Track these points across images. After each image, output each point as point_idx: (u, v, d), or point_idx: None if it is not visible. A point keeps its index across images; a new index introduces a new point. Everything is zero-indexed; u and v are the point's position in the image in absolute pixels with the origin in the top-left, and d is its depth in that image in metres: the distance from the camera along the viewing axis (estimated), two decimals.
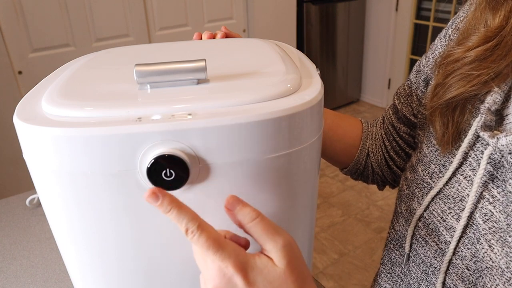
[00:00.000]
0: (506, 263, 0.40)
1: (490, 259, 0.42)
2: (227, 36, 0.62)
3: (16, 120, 0.36)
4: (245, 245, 0.38)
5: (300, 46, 3.24)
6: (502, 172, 0.41)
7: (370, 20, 3.54)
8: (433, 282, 0.49)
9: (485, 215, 0.42)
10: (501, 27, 0.42)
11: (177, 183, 0.35)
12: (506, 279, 0.40)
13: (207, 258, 0.34)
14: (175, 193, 0.36)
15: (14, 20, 1.89)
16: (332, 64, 3.46)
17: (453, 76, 0.45)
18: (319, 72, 0.45)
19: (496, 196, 0.42)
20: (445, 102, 0.45)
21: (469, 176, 0.44)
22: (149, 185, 0.35)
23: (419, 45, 3.29)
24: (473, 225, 0.44)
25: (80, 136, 0.33)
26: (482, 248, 0.43)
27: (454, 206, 0.46)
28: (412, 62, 3.33)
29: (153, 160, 0.34)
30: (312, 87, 0.39)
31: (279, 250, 0.35)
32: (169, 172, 0.35)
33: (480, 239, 0.43)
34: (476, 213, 0.43)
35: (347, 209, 2.40)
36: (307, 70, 0.45)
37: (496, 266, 0.41)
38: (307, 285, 0.36)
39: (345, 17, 3.38)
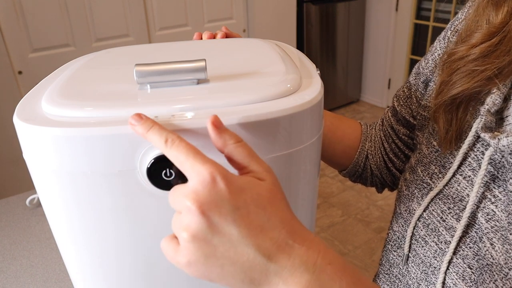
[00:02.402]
0: (505, 259, 0.40)
1: (491, 256, 0.42)
2: (227, 36, 0.62)
3: (16, 120, 0.36)
4: None
5: (300, 46, 3.24)
6: (503, 172, 0.41)
7: (370, 20, 3.54)
8: (433, 282, 0.49)
9: (487, 215, 0.43)
10: (504, 23, 0.42)
11: (177, 183, 0.35)
12: (504, 274, 0.41)
13: (185, 168, 0.30)
14: None
15: (14, 20, 1.89)
16: (332, 64, 3.46)
17: (458, 73, 0.45)
18: (319, 72, 0.45)
19: (497, 196, 0.42)
20: (449, 99, 0.46)
21: (469, 176, 0.45)
22: (149, 185, 0.35)
23: (419, 45, 3.29)
24: (475, 225, 0.44)
25: (80, 136, 0.33)
26: (484, 247, 0.43)
27: (454, 206, 0.46)
28: (412, 62, 3.33)
29: (153, 160, 0.34)
30: (312, 87, 0.39)
31: (264, 170, 0.32)
32: (169, 172, 0.35)
33: (482, 237, 0.43)
34: (478, 212, 0.43)
35: (347, 209, 2.40)
36: (307, 70, 0.45)
37: (496, 263, 0.41)
38: (291, 211, 0.33)
39: (345, 17, 3.38)
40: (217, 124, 0.32)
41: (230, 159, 0.33)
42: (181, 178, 0.35)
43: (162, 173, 0.35)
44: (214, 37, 0.61)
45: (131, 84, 0.40)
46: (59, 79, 0.43)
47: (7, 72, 1.91)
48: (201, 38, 0.62)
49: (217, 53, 0.51)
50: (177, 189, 0.31)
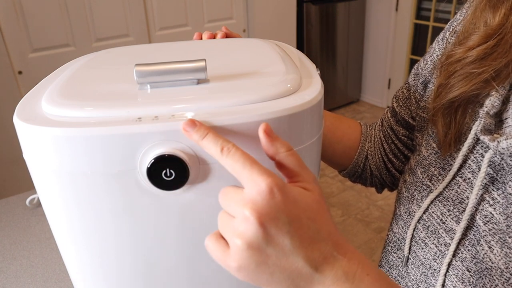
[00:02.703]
0: (505, 264, 0.40)
1: (490, 260, 0.42)
2: (227, 36, 0.62)
3: (16, 120, 0.36)
4: None
5: (300, 46, 3.23)
6: (502, 175, 0.41)
7: (370, 20, 3.53)
8: (433, 284, 0.49)
9: (485, 217, 0.42)
10: (502, 25, 0.42)
11: (177, 183, 0.35)
12: (505, 279, 0.40)
13: (242, 177, 0.31)
14: (175, 193, 0.36)
15: (14, 20, 1.89)
16: (332, 64, 3.46)
17: (455, 76, 0.45)
18: (319, 72, 0.45)
19: (496, 198, 0.42)
20: (447, 102, 0.46)
21: (469, 179, 0.45)
22: (149, 185, 0.35)
23: (419, 45, 3.29)
24: (473, 227, 0.44)
25: (80, 136, 0.33)
26: (482, 250, 0.43)
27: (454, 208, 0.46)
28: (412, 62, 3.33)
29: (153, 160, 0.34)
30: (312, 87, 0.39)
31: (313, 181, 0.34)
32: (169, 172, 0.35)
33: (480, 240, 0.43)
34: (477, 215, 0.43)
35: (347, 209, 2.40)
36: (307, 70, 0.45)
37: (495, 267, 0.41)
38: (333, 221, 0.35)
39: (345, 17, 3.38)
40: (269, 132, 0.33)
41: (281, 167, 0.34)
42: (182, 179, 0.35)
43: (162, 173, 0.35)
44: (214, 37, 0.61)
45: (131, 84, 0.40)
46: (59, 79, 0.43)
47: (7, 72, 1.91)
48: (201, 38, 0.62)
49: (217, 53, 0.51)
50: (232, 194, 0.32)
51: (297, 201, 0.31)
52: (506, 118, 0.42)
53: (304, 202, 0.32)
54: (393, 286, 0.34)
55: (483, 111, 0.42)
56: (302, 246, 0.31)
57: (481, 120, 0.42)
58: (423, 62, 0.56)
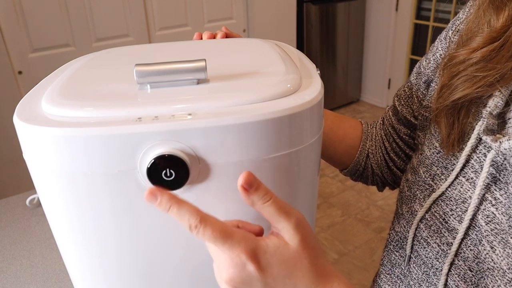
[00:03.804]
0: (508, 264, 0.40)
1: (492, 260, 0.42)
2: (227, 36, 0.62)
3: (16, 120, 0.36)
4: (259, 232, 0.38)
5: (300, 46, 3.23)
6: (504, 175, 0.41)
7: (370, 20, 3.53)
8: (435, 283, 0.49)
9: (487, 217, 0.42)
10: (506, 27, 0.41)
11: (177, 183, 0.35)
12: (507, 280, 0.40)
13: (216, 250, 0.34)
14: (175, 193, 0.36)
15: (14, 20, 1.89)
16: (332, 64, 3.46)
17: (459, 78, 0.45)
18: (319, 72, 0.45)
19: (498, 198, 0.42)
20: (451, 103, 0.45)
21: (471, 178, 0.45)
22: (149, 185, 0.35)
23: (419, 45, 3.29)
24: (476, 227, 0.44)
25: (80, 136, 0.33)
26: (484, 250, 0.43)
27: (456, 208, 0.46)
28: (412, 62, 3.33)
29: (153, 160, 0.34)
30: (312, 87, 0.39)
31: (291, 228, 0.35)
32: (169, 172, 0.35)
33: (482, 240, 0.43)
34: (479, 215, 0.43)
35: (347, 209, 2.40)
36: (307, 70, 0.45)
37: (497, 267, 0.41)
38: (320, 260, 0.37)
39: (345, 17, 3.38)
40: (246, 186, 0.34)
41: (262, 215, 0.35)
42: (182, 179, 0.35)
43: (162, 173, 0.34)
44: (214, 37, 0.61)
45: (131, 84, 0.40)
46: (59, 79, 0.43)
47: (7, 72, 1.91)
48: (201, 38, 0.62)
49: (217, 53, 0.51)
50: (219, 252, 0.34)
51: (271, 264, 0.34)
52: (509, 119, 0.42)
53: (279, 261, 0.34)
54: None
55: (486, 111, 0.42)
56: None
57: (484, 120, 0.42)
58: (426, 61, 0.56)
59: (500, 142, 0.40)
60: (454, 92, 0.45)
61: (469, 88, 0.43)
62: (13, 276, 0.84)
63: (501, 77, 0.42)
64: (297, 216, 0.36)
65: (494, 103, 0.42)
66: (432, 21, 3.11)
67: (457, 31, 0.51)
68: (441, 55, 0.53)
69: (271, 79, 0.39)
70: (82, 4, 2.05)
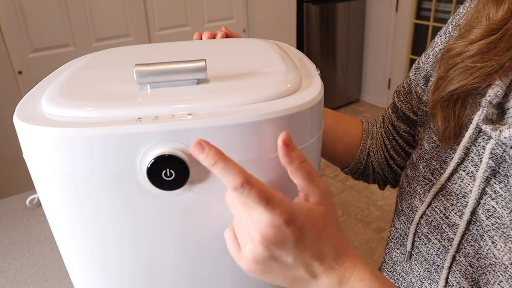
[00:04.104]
0: (510, 259, 0.40)
1: (494, 255, 0.42)
2: (227, 36, 0.62)
3: (16, 120, 0.36)
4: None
5: (300, 46, 3.23)
6: (504, 167, 0.41)
7: (370, 20, 3.53)
8: (436, 280, 0.49)
9: (488, 211, 0.42)
10: (505, 20, 0.42)
11: (177, 183, 0.35)
12: (509, 275, 0.40)
13: (255, 210, 0.34)
14: (175, 193, 0.36)
15: (14, 20, 1.89)
16: (332, 64, 3.46)
17: (455, 69, 0.45)
18: (319, 72, 0.45)
19: (498, 192, 0.41)
20: (447, 95, 0.45)
21: (472, 172, 0.44)
22: (149, 185, 0.35)
23: (419, 45, 3.29)
24: (476, 222, 0.44)
25: (80, 136, 0.33)
26: (486, 245, 0.42)
27: (457, 202, 0.46)
28: (412, 62, 3.33)
29: (153, 160, 0.34)
30: (312, 87, 0.39)
31: (321, 193, 0.37)
32: (169, 172, 0.35)
33: (483, 235, 0.43)
34: (479, 209, 0.43)
35: (347, 209, 2.40)
36: (307, 70, 0.45)
37: (499, 262, 0.41)
38: (340, 232, 0.38)
39: (345, 17, 3.38)
40: (287, 142, 0.35)
41: (293, 176, 0.36)
42: (182, 179, 0.35)
43: (162, 173, 0.34)
44: (214, 37, 0.61)
45: (131, 84, 0.40)
46: (59, 79, 0.43)
47: (7, 72, 1.91)
48: (201, 38, 0.62)
49: (217, 53, 0.51)
50: (248, 214, 0.34)
51: (304, 226, 0.35)
52: (508, 108, 0.42)
53: (310, 224, 0.35)
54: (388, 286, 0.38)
55: (486, 100, 0.42)
56: (304, 261, 0.36)
57: (484, 109, 0.42)
58: (425, 56, 0.56)
59: (500, 131, 0.40)
60: (450, 83, 0.45)
61: (465, 79, 0.43)
62: (13, 276, 0.84)
63: (499, 68, 0.42)
64: (324, 184, 0.37)
65: (494, 92, 0.42)
66: (432, 21, 3.11)
67: (457, 26, 0.51)
68: (440, 49, 0.53)
69: (271, 79, 0.39)
70: (82, 4, 2.05)
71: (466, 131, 0.44)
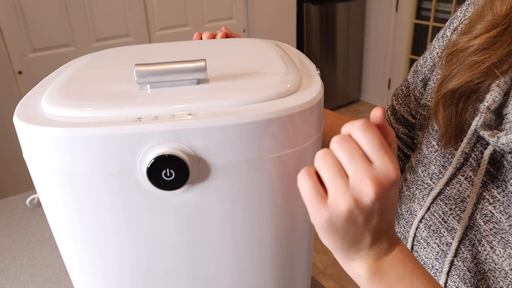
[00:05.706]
0: (510, 265, 0.40)
1: (493, 261, 0.42)
2: (227, 36, 0.62)
3: (16, 120, 0.36)
4: None
5: (300, 46, 3.23)
6: (502, 172, 0.41)
7: (370, 20, 3.53)
8: None
9: (485, 216, 0.42)
10: (508, 15, 0.41)
11: (177, 183, 0.35)
12: (510, 281, 0.40)
13: (375, 155, 0.33)
14: (175, 193, 0.36)
15: (14, 20, 1.88)
16: (332, 64, 3.46)
17: (459, 66, 0.45)
18: (319, 72, 0.45)
19: (496, 197, 0.41)
20: (449, 92, 0.45)
21: (470, 177, 0.44)
22: (149, 185, 0.35)
23: (419, 45, 3.29)
24: (474, 227, 0.44)
25: (80, 136, 0.33)
26: (484, 250, 0.42)
27: (455, 207, 0.46)
28: (412, 62, 3.33)
29: (153, 160, 0.34)
30: (312, 87, 0.39)
31: (395, 165, 0.36)
32: (169, 172, 0.35)
33: (481, 240, 0.43)
34: (477, 214, 0.43)
35: None
36: (307, 70, 0.45)
37: (499, 268, 0.41)
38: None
39: (345, 17, 3.38)
40: (380, 121, 0.35)
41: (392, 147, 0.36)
42: (182, 179, 0.35)
43: (162, 173, 0.34)
44: (214, 37, 0.61)
45: (131, 84, 0.40)
46: (59, 79, 0.43)
47: (7, 72, 1.91)
48: (201, 38, 0.62)
49: (217, 53, 0.51)
50: (360, 161, 0.33)
51: (383, 196, 0.34)
52: (506, 114, 0.42)
53: (386, 197, 0.34)
54: (425, 272, 0.38)
55: (484, 105, 0.42)
56: (378, 230, 0.35)
57: (482, 115, 0.42)
58: (423, 60, 0.56)
59: (498, 137, 0.40)
60: (453, 79, 0.45)
61: (467, 75, 0.43)
62: (13, 276, 0.83)
63: (500, 62, 0.41)
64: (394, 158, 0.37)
65: (492, 97, 0.42)
66: (432, 21, 3.11)
67: (455, 29, 0.51)
68: (437, 53, 0.53)
69: (271, 79, 0.40)
70: (82, 4, 2.05)
71: (465, 136, 0.45)
